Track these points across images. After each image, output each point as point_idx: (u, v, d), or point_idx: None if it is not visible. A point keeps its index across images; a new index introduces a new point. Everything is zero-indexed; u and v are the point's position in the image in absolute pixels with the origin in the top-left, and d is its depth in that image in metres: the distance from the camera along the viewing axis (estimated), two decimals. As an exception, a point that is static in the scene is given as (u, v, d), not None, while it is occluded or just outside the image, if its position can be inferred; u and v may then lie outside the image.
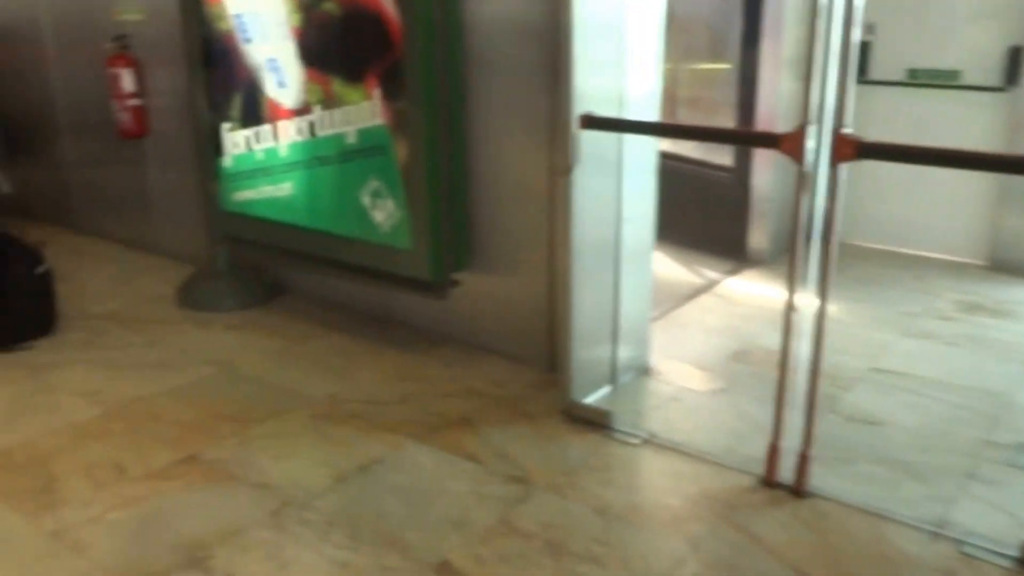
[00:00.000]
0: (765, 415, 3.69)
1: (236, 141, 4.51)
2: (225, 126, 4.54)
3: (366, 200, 4.05)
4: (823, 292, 3.05)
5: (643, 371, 4.14)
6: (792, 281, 3.11)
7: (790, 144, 2.93)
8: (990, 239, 5.81)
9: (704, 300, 5.24)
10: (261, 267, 5.12)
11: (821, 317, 3.07)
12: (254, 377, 4.08)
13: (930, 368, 4.27)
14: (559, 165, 3.42)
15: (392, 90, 3.80)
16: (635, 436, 3.56)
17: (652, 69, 3.68)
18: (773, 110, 5.62)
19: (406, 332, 4.58)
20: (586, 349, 3.73)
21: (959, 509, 3.06)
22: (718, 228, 6.08)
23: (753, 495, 3.16)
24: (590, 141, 3.39)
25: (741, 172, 5.89)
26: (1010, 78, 5.59)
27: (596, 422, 3.64)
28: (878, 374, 4.20)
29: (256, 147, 4.43)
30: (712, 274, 5.66)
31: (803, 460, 3.15)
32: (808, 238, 3.16)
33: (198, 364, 4.20)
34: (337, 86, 3.99)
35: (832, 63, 2.90)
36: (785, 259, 5.99)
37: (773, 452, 3.22)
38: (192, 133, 4.88)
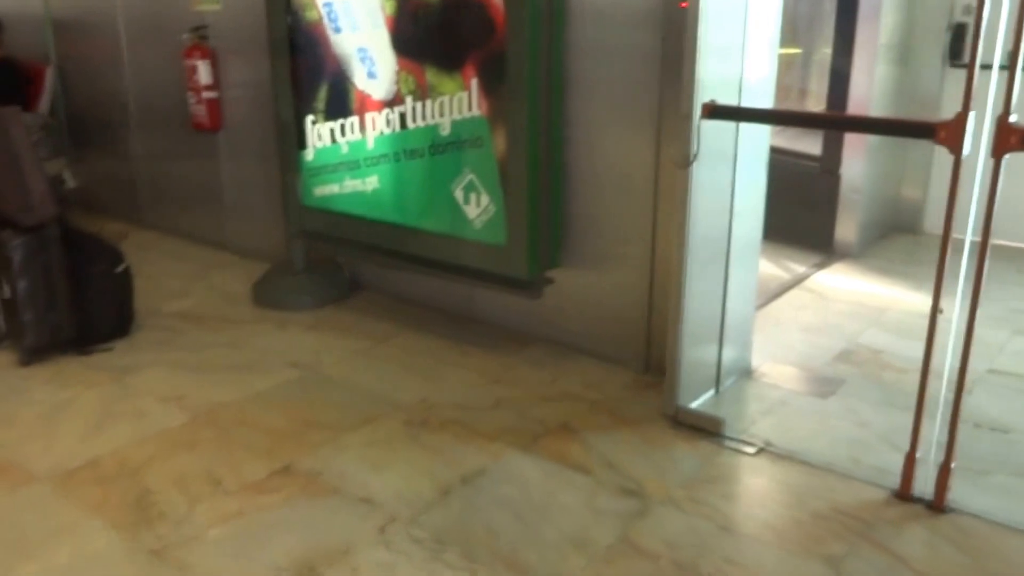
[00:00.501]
0: (883, 421, 3.51)
1: (320, 134, 4.36)
2: (309, 118, 4.38)
3: (458, 194, 3.88)
4: (975, 295, 2.80)
5: (746, 373, 3.93)
6: (939, 282, 2.86)
7: (949, 133, 2.69)
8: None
9: (795, 296, 5.01)
10: (338, 263, 4.97)
11: (972, 321, 2.83)
12: (340, 380, 3.93)
13: (1049, 369, 4.04)
14: (678, 157, 3.21)
15: (492, 80, 3.62)
16: (750, 444, 3.35)
17: (770, 54, 3.47)
18: (867, 97, 5.37)
19: (490, 331, 4.40)
20: (693, 350, 3.53)
21: (1116, 528, 2.84)
22: (805, 220, 5.83)
23: (889, 510, 2.95)
24: (706, 131, 3.18)
25: (830, 162, 5.65)
26: None
27: (706, 429, 3.44)
28: (996, 376, 3.96)
29: (341, 140, 4.27)
30: (800, 268, 5.44)
31: (944, 473, 2.93)
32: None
33: (281, 366, 4.06)
34: (431, 76, 3.81)
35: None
36: (874, 252, 5.85)
37: (910, 464, 3.00)
38: (273, 126, 4.73)
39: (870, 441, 3.38)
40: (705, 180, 3.28)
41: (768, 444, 3.35)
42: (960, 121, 2.68)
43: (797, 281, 5.21)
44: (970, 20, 5.71)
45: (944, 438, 2.95)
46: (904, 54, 5.68)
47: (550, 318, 4.20)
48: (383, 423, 3.52)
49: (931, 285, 2.88)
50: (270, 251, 5.27)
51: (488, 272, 3.94)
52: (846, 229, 5.68)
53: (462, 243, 3.94)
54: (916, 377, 3.93)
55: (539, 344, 4.24)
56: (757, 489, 3.12)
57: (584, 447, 3.34)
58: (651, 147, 3.66)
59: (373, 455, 3.29)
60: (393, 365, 4.07)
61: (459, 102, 3.75)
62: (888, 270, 5.42)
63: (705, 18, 3.05)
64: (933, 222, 6.10)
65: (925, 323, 2.80)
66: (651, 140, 3.65)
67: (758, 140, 3.57)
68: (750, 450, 3.32)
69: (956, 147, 2.70)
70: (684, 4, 3.25)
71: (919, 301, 4.82)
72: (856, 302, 4.91)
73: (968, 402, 3.63)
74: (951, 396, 3.18)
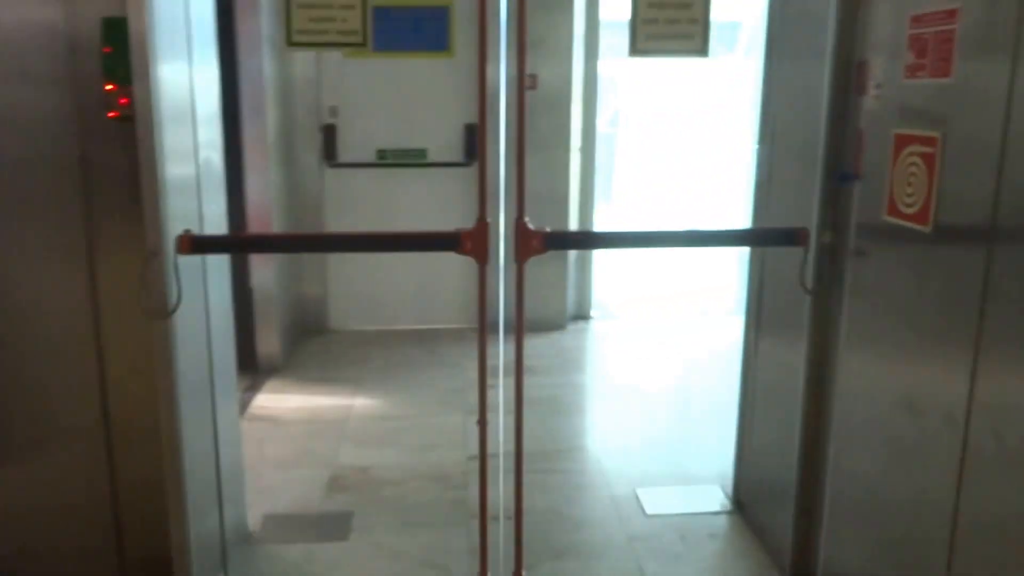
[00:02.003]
0: (414, 544, 3.35)
1: None
2: None
3: None
4: (518, 402, 2.64)
5: (247, 537, 3.30)
6: (482, 395, 2.65)
7: (473, 242, 2.44)
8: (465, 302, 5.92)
9: (249, 429, 4.45)
10: None
11: (519, 427, 2.67)
12: None
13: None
14: (153, 307, 2.48)
15: None
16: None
17: (217, 159, 2.95)
18: (265, 201, 5.06)
19: None
20: (196, 532, 2.79)
21: None
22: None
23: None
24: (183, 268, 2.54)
25: (239, 275, 5.19)
26: (469, 153, 5.82)
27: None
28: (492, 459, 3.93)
29: None
30: (237, 395, 4.88)
31: (521, 587, 2.72)
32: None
33: None
34: None
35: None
36: (296, 360, 5.54)
37: (482, 590, 2.73)
38: None
39: (415, 574, 3.04)
40: (182, 322, 2.62)
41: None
42: (481, 229, 2.47)
43: (240, 411, 4.65)
44: (336, 122, 5.78)
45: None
46: (289, 154, 5.54)
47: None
48: None
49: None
50: None
51: None
52: (268, 342, 5.30)
53: None
54: (415, 485, 3.76)
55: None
56: None
57: None
58: (84, 287, 2.83)
59: None
60: None
61: None
62: (320, 377, 5.18)
63: (160, 129, 2.42)
64: (337, 320, 6.04)
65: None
66: (84, 279, 2.82)
67: (221, 260, 3.03)
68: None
69: (481, 257, 2.49)
70: (113, 114, 2.60)
71: (366, 404, 4.66)
72: (311, 419, 4.54)
73: (471, 497, 3.50)
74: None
